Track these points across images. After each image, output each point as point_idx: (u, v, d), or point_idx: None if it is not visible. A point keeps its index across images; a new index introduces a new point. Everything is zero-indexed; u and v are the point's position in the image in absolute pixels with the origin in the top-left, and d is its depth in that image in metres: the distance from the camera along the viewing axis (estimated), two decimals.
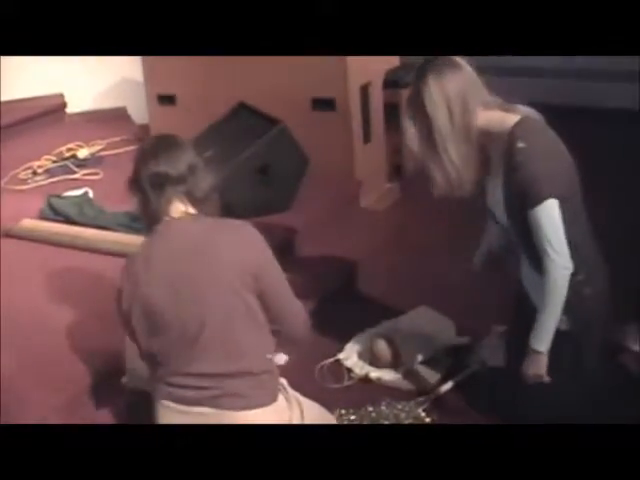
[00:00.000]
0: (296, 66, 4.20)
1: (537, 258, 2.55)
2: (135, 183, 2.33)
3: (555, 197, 2.47)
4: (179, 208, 2.32)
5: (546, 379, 2.60)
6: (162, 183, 2.28)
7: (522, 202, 2.50)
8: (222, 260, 2.27)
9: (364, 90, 4.40)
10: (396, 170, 4.80)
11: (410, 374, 3.12)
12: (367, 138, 4.49)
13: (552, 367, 2.61)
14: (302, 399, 2.50)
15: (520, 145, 2.46)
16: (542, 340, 2.57)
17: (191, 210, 2.34)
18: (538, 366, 2.59)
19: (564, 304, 2.55)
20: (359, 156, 4.41)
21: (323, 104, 4.34)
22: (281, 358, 3.24)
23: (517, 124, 2.51)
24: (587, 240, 2.65)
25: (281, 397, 2.40)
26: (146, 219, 2.35)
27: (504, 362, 2.91)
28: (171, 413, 2.33)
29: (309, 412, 2.48)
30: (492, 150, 2.60)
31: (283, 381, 2.48)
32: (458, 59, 2.55)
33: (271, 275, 2.36)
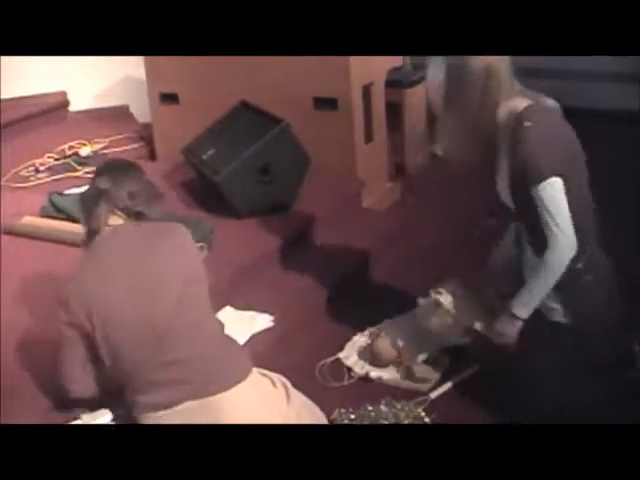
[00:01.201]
0: (299, 65, 4.20)
1: (540, 241, 2.59)
2: (83, 195, 2.56)
3: (558, 175, 2.53)
4: (117, 220, 2.49)
5: (512, 345, 2.67)
6: (100, 198, 2.48)
7: (525, 180, 2.56)
8: (166, 258, 2.44)
9: (366, 90, 4.40)
10: (398, 170, 4.81)
11: (410, 373, 3.12)
12: (369, 138, 4.49)
13: (556, 362, 2.66)
14: (290, 386, 2.57)
15: (526, 124, 2.55)
16: (525, 307, 2.62)
17: (128, 220, 2.51)
18: (511, 330, 2.65)
19: (565, 296, 2.62)
20: (361, 156, 4.41)
21: (325, 104, 4.33)
22: (266, 320, 3.26)
23: (526, 107, 2.61)
24: (590, 227, 2.69)
25: (256, 371, 2.49)
26: (87, 230, 2.52)
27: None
28: (156, 422, 2.38)
29: (296, 399, 2.55)
30: (501, 131, 2.67)
31: (261, 370, 2.55)
32: None
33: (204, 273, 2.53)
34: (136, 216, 2.51)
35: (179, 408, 2.34)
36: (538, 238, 2.61)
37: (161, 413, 2.36)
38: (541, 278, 2.59)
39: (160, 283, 2.39)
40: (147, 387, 2.38)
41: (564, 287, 2.63)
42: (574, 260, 2.57)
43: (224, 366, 2.40)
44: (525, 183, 2.57)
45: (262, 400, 2.43)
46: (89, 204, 2.50)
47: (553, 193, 2.53)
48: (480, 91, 2.57)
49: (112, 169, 2.58)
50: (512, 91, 2.64)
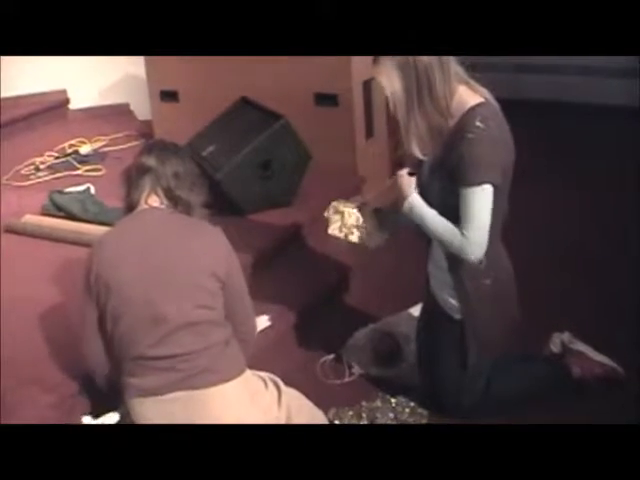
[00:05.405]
0: (299, 62, 4.19)
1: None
2: (126, 171, 2.56)
3: (491, 184, 2.51)
4: (156, 201, 2.50)
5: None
6: (145, 175, 2.49)
7: (457, 179, 2.53)
8: (188, 254, 2.42)
9: (367, 86, 4.40)
10: (398, 166, 4.79)
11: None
12: (369, 134, 4.49)
13: (444, 353, 2.80)
14: (283, 387, 2.56)
15: (477, 124, 2.50)
16: (414, 207, 2.72)
17: (167, 205, 2.51)
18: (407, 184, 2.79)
19: (462, 295, 2.67)
20: (361, 152, 4.41)
21: (326, 100, 4.34)
22: (263, 321, 3.27)
23: (479, 105, 2.55)
24: (497, 229, 2.66)
25: (249, 371, 2.48)
26: (126, 205, 2.55)
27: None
28: (145, 408, 2.39)
29: (291, 400, 2.54)
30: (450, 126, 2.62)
31: (254, 372, 2.54)
32: None
33: (234, 280, 2.51)
34: (176, 201, 2.51)
35: (168, 397, 2.35)
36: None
37: (150, 400, 2.37)
38: (438, 224, 2.61)
39: (172, 274, 2.39)
40: (138, 369, 2.38)
41: (462, 286, 2.68)
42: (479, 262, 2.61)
43: (217, 364, 2.38)
44: (455, 181, 2.54)
45: (250, 399, 2.42)
46: (133, 178, 2.52)
47: (484, 199, 2.51)
48: (431, 85, 2.53)
49: (160, 148, 2.59)
50: (459, 84, 2.58)
